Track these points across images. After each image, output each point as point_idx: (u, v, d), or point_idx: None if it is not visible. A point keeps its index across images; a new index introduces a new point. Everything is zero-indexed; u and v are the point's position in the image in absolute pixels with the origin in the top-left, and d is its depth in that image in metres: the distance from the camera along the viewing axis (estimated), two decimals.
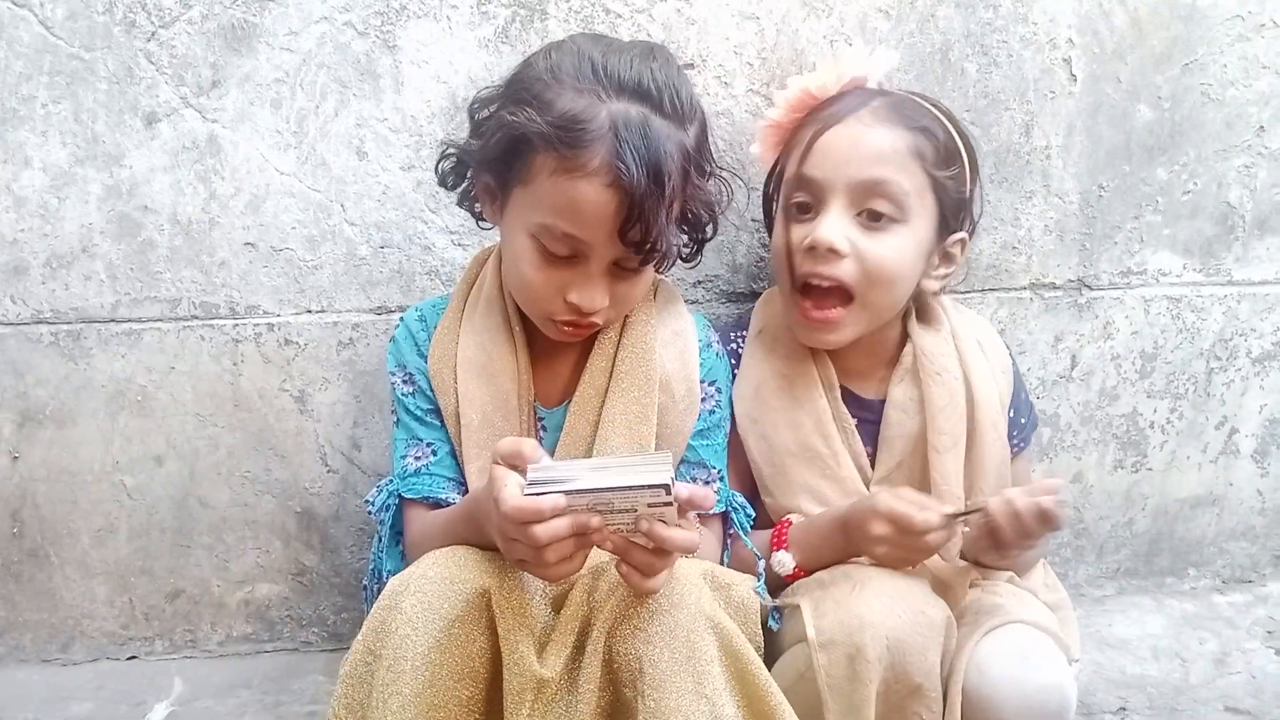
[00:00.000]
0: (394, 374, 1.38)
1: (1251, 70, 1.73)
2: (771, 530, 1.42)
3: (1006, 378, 1.51)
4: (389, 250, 1.58)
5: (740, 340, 1.50)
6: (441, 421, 1.35)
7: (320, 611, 1.72)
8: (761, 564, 1.37)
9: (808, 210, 1.38)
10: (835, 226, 1.33)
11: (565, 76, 1.21)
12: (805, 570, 1.37)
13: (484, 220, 1.39)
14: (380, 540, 1.35)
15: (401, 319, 1.42)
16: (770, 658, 1.32)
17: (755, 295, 1.67)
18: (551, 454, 1.21)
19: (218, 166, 1.53)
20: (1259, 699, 1.66)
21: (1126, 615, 1.88)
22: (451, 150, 1.35)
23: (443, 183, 1.38)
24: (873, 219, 1.34)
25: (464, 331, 1.36)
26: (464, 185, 1.37)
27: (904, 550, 1.27)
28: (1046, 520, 1.23)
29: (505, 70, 1.52)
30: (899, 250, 1.35)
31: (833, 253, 1.33)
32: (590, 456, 1.32)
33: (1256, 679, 1.71)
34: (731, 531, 1.40)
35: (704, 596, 1.14)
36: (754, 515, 1.41)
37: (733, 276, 1.67)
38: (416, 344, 1.38)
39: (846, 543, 1.33)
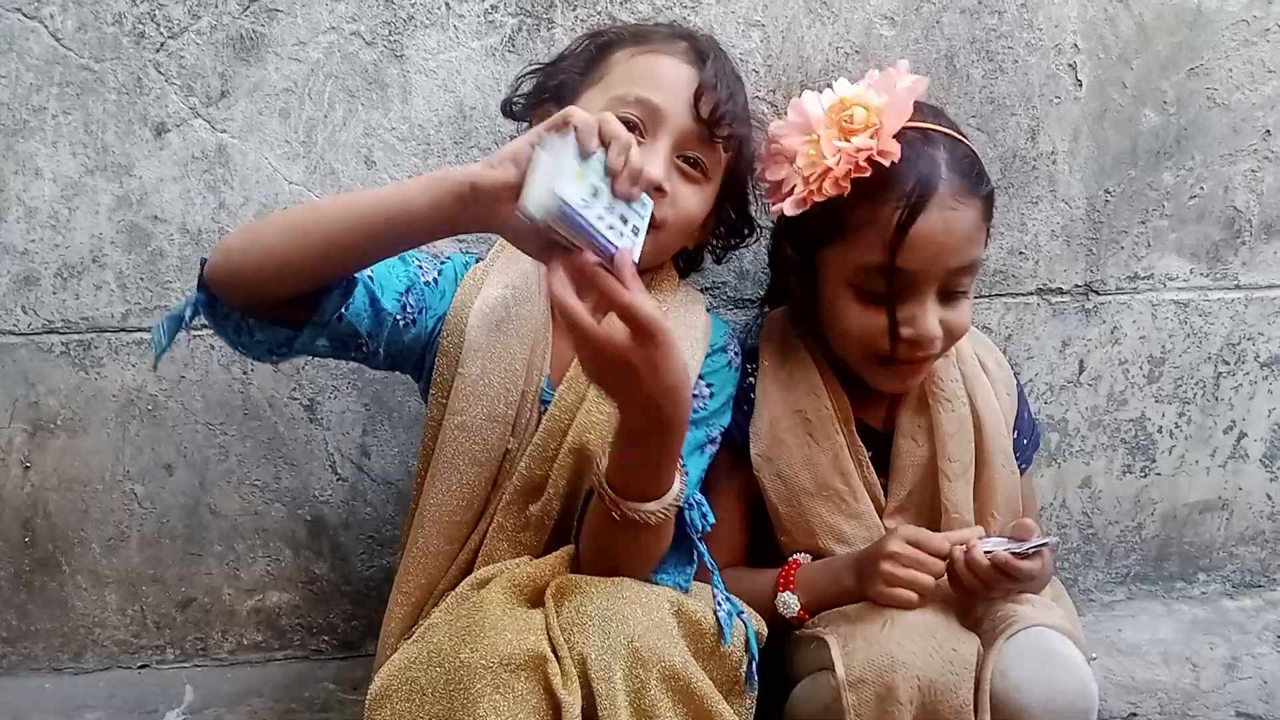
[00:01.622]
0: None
1: (1257, 74, 1.74)
2: (779, 569, 1.39)
3: (1011, 398, 1.49)
4: None
5: (754, 374, 1.45)
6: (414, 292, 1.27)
7: (331, 619, 1.73)
8: (718, 591, 1.27)
9: (884, 291, 1.30)
10: (934, 316, 1.30)
11: (643, 24, 1.41)
12: (810, 613, 1.35)
13: None
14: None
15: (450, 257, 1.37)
16: (784, 678, 1.33)
17: (761, 299, 1.67)
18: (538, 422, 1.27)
19: (227, 176, 1.54)
20: (1270, 704, 1.65)
21: (1136, 620, 1.88)
22: (535, 66, 1.42)
23: (507, 110, 1.42)
24: (952, 288, 1.32)
25: (491, 275, 1.32)
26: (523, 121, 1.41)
27: (908, 572, 1.25)
28: (1007, 575, 1.23)
29: (512, 79, 1.53)
30: (970, 308, 1.35)
31: (933, 340, 1.31)
32: (571, 429, 1.27)
33: (1268, 683, 1.71)
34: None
35: (663, 643, 1.09)
36: (713, 521, 1.26)
37: (740, 283, 1.67)
38: (456, 278, 1.33)
39: (856, 583, 1.31)
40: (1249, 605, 1.94)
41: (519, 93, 1.41)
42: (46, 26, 1.48)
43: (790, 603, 1.35)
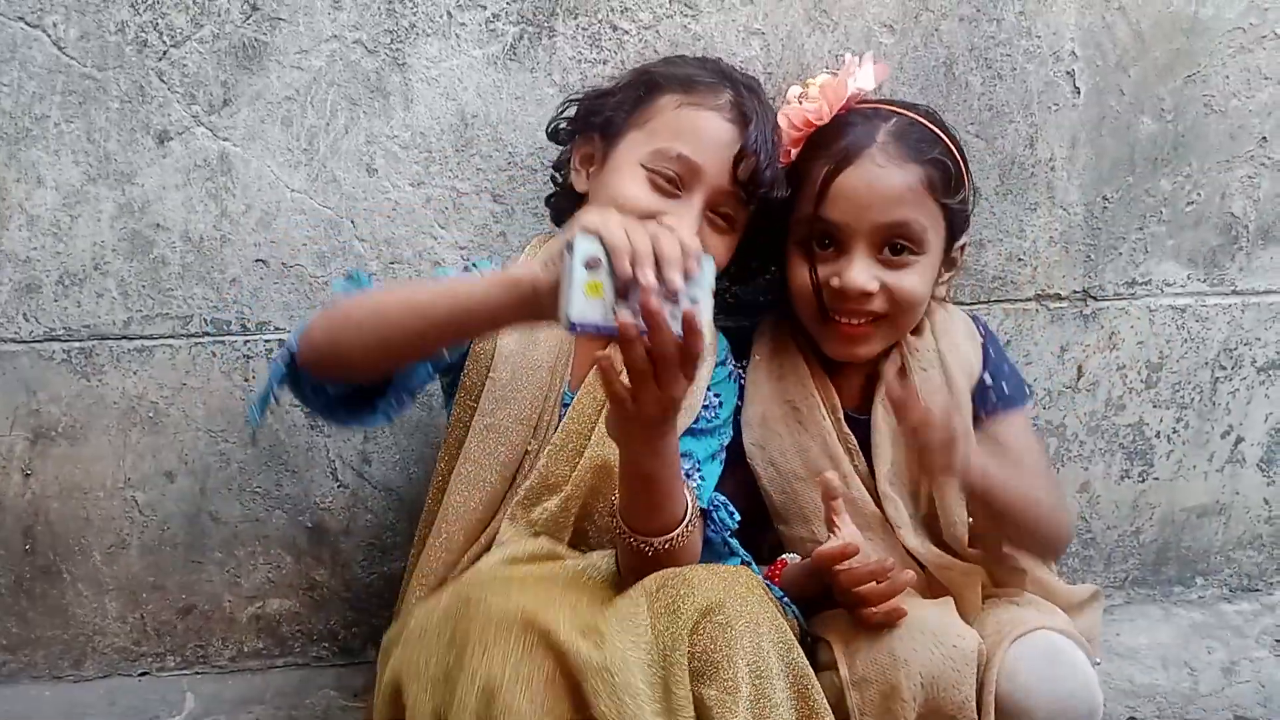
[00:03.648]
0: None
1: (1254, 81, 1.75)
2: (767, 567, 1.41)
3: (973, 343, 1.48)
4: (399, 266, 1.59)
5: (741, 371, 1.51)
6: None
7: (331, 626, 1.73)
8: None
9: (828, 247, 1.39)
10: (864, 269, 1.36)
11: (690, 63, 1.42)
12: None
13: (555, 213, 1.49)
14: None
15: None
16: None
17: (758, 305, 1.67)
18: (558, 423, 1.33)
19: (229, 184, 1.54)
20: (1268, 707, 1.66)
21: (1134, 625, 1.88)
22: (578, 96, 1.45)
23: (553, 136, 1.48)
24: (895, 253, 1.37)
25: None
26: (562, 151, 1.47)
27: (846, 593, 1.25)
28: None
29: (513, 87, 1.55)
30: (922, 278, 1.39)
31: (864, 295, 1.36)
32: (592, 438, 1.33)
33: (1265, 687, 1.71)
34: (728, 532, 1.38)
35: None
36: (739, 519, 1.39)
37: (737, 288, 1.67)
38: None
39: (822, 587, 1.32)
40: (1247, 609, 1.95)
41: (564, 115, 1.46)
42: (49, 35, 1.48)
43: None
